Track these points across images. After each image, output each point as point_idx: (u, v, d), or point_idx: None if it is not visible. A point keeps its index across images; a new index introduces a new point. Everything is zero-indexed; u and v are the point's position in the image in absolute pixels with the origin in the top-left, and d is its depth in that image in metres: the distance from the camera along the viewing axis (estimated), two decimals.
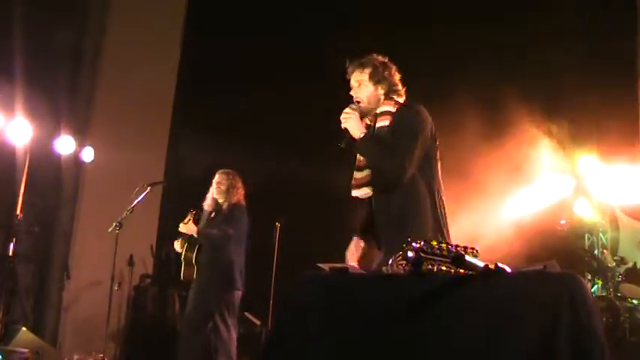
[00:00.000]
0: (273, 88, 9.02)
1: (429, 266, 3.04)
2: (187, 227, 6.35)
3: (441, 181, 4.24)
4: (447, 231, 4.07)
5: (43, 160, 8.19)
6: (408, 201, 4.07)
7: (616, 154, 7.43)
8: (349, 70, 4.36)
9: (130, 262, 8.04)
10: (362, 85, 4.30)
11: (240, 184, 6.46)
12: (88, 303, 8.53)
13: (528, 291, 2.68)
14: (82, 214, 9.01)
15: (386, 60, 4.36)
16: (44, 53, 8.46)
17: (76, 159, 8.62)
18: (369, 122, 4.30)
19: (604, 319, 6.17)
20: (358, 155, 4.27)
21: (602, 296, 6.66)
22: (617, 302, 6.37)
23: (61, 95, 8.94)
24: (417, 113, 4.20)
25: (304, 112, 8.83)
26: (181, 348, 6.44)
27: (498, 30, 8.01)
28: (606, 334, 2.66)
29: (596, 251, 7.37)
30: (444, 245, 3.05)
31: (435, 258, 3.02)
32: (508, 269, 2.88)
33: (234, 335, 6.33)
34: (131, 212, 6.53)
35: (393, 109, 4.22)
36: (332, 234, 7.70)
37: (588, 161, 7.62)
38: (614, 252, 7.16)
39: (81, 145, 8.45)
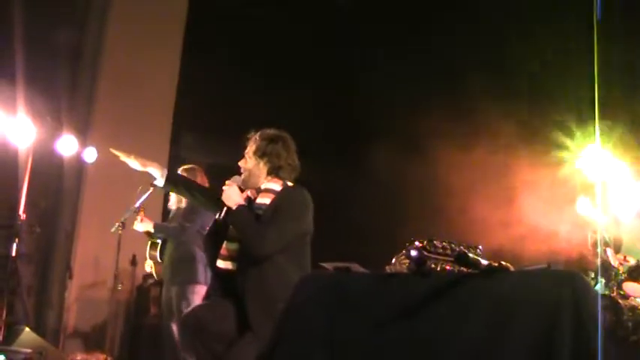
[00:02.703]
0: (275, 90, 9.03)
1: (432, 265, 3.04)
2: (143, 225, 6.39)
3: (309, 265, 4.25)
4: None
5: (45, 160, 8.19)
6: (271, 282, 4.05)
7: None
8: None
9: (133, 262, 8.03)
10: (247, 158, 4.35)
11: (202, 179, 6.42)
12: (91, 303, 8.53)
13: (531, 289, 2.68)
14: (85, 214, 9.01)
15: (278, 135, 4.38)
16: (45, 54, 8.46)
17: (78, 159, 8.61)
18: (250, 195, 4.31)
19: (607, 317, 6.16)
20: (231, 226, 4.25)
21: (605, 295, 6.65)
22: (620, 301, 6.35)
23: (63, 95, 8.95)
24: (299, 196, 4.24)
25: (305, 113, 8.84)
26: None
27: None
28: (609, 332, 2.66)
29: (599, 249, 7.35)
30: (447, 244, 3.05)
31: (439, 257, 3.02)
32: (511, 267, 2.88)
33: None
34: (134, 212, 6.52)
35: (278, 187, 4.25)
36: (332, 235, 7.76)
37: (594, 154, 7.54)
38: (617, 250, 7.14)
39: (83, 145, 8.44)
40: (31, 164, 7.62)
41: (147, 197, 6.55)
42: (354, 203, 8.39)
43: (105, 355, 7.45)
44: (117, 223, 6.63)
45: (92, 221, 8.75)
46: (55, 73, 8.79)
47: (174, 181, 4.79)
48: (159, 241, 6.66)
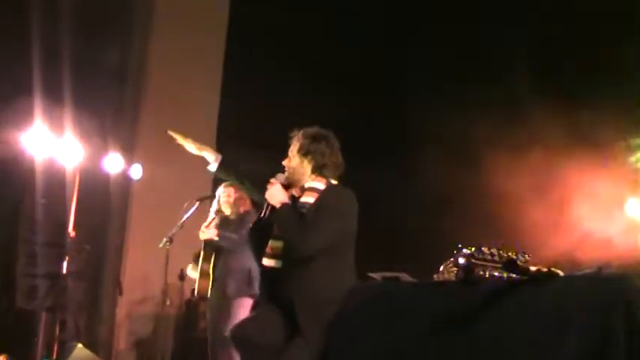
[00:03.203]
0: (319, 98, 9.04)
1: (480, 272, 3.01)
2: (209, 232, 6.39)
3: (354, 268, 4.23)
4: None
5: (92, 178, 8.30)
6: (316, 282, 4.05)
7: None
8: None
9: (181, 277, 8.08)
10: (291, 157, 4.35)
11: (246, 195, 6.43)
12: (141, 318, 8.61)
13: (581, 294, 2.64)
14: (132, 231, 9.10)
15: (322, 133, 4.38)
16: (90, 74, 8.59)
17: (124, 176, 8.71)
18: (295, 194, 4.29)
19: None
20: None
21: None
22: None
23: (108, 114, 9.08)
24: (344, 196, 4.22)
25: (353, 120, 8.83)
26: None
27: None
28: None
29: None
30: (495, 250, 3.02)
31: (487, 263, 2.99)
32: (561, 273, 2.84)
33: None
34: (181, 227, 6.57)
35: (322, 186, 4.23)
36: (380, 241, 7.74)
37: None
38: None
39: (129, 162, 8.54)
40: (79, 183, 7.73)
41: (193, 212, 6.60)
42: (403, 209, 8.34)
43: None
44: (164, 239, 6.67)
45: (140, 237, 8.83)
46: (99, 93, 8.91)
47: (226, 167, 4.85)
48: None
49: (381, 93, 9.17)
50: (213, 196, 7.01)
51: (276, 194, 4.19)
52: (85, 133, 8.01)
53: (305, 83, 9.38)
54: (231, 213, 6.52)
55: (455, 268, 3.16)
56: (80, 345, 7.28)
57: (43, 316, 7.68)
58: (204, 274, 6.54)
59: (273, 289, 4.26)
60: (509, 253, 3.07)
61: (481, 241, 3.11)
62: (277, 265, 4.20)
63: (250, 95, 9.35)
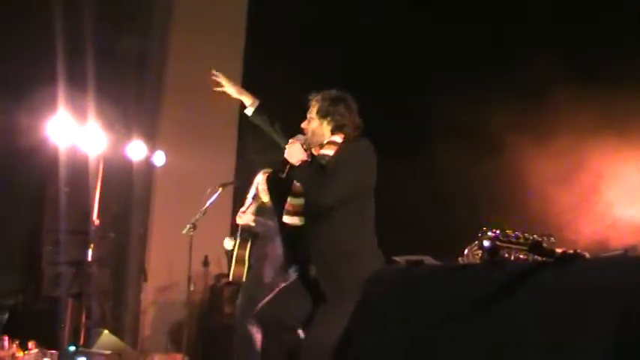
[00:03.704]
0: (340, 86, 9.00)
1: (506, 254, 3.00)
2: (246, 217, 6.39)
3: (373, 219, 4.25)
4: None
5: (115, 166, 8.34)
6: (340, 236, 4.07)
7: None
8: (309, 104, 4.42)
9: (205, 263, 8.12)
10: (310, 119, 4.35)
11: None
12: (166, 305, 8.68)
13: (607, 276, 2.61)
14: (156, 218, 9.15)
15: (340, 95, 4.38)
16: (112, 62, 8.64)
17: (147, 164, 8.75)
18: (314, 152, 4.29)
19: None
20: (295, 182, 4.25)
21: None
22: None
23: (131, 102, 9.13)
24: (363, 147, 4.22)
25: (370, 115, 8.80)
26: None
27: None
28: None
29: None
30: (519, 233, 3.00)
31: (512, 246, 2.98)
32: (587, 255, 2.82)
33: None
34: (204, 213, 6.58)
35: (339, 140, 4.23)
36: (402, 227, 7.72)
37: None
38: None
39: (152, 149, 8.57)
40: (102, 171, 7.77)
41: (216, 199, 6.61)
42: (427, 196, 8.31)
43: (182, 356, 7.55)
44: (188, 225, 6.69)
45: (163, 224, 8.88)
46: (122, 81, 8.96)
47: (261, 113, 4.96)
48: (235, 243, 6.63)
49: (401, 84, 9.12)
50: (235, 183, 7.02)
51: (295, 152, 4.19)
52: (107, 121, 8.04)
53: (325, 72, 9.36)
54: (269, 200, 6.51)
55: (480, 251, 3.14)
56: (106, 331, 7.35)
57: (70, 303, 7.75)
58: (239, 260, 6.54)
59: (294, 249, 4.29)
60: (535, 236, 3.05)
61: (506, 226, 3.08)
62: (299, 222, 4.22)
63: (271, 84, 9.35)
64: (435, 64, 8.60)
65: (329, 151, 4.21)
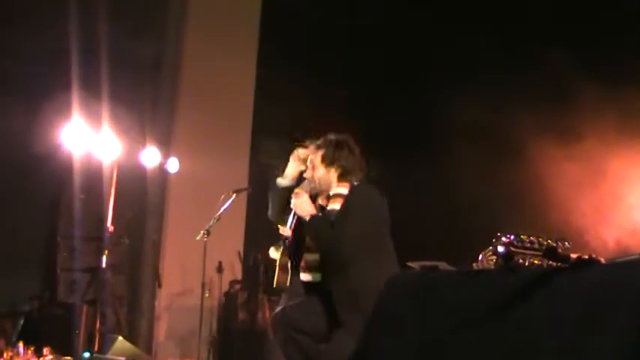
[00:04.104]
0: (351, 94, 9.01)
1: (520, 260, 2.98)
2: (286, 230, 6.39)
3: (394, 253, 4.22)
4: None
5: (129, 172, 8.35)
6: (354, 280, 4.06)
7: None
8: (307, 151, 4.42)
9: (219, 269, 8.13)
10: (314, 166, 4.32)
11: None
12: (180, 310, 8.68)
13: (622, 281, 2.60)
14: (170, 224, 9.16)
15: (342, 139, 4.35)
16: (127, 68, 8.66)
17: (161, 170, 8.76)
18: (321, 203, 4.27)
19: None
20: (308, 238, 4.25)
21: None
22: None
23: (145, 108, 9.16)
24: (368, 195, 4.22)
25: (378, 118, 8.79)
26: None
27: None
28: None
29: None
30: (534, 238, 2.99)
31: (526, 251, 2.96)
32: (602, 260, 2.80)
33: None
34: (218, 220, 6.59)
35: (345, 191, 4.22)
36: (420, 232, 7.70)
37: None
38: None
39: (166, 156, 8.59)
40: (117, 177, 7.79)
41: (230, 204, 6.62)
42: (444, 199, 8.28)
43: None
44: (202, 231, 6.70)
45: (177, 230, 8.90)
46: (136, 88, 8.99)
47: (288, 192, 4.70)
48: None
49: (418, 86, 9.09)
50: (249, 189, 7.01)
51: (304, 205, 4.20)
52: (122, 128, 8.06)
53: (340, 74, 9.37)
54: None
55: (494, 257, 3.13)
56: (121, 337, 7.36)
57: (84, 309, 7.77)
58: (282, 268, 6.56)
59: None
60: (549, 241, 3.03)
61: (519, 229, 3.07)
62: (316, 279, 4.25)
63: (285, 88, 9.36)
64: (456, 65, 8.58)
65: (337, 205, 4.22)
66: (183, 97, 9.42)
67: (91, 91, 8.08)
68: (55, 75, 8.04)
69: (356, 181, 4.32)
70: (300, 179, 4.56)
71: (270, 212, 4.76)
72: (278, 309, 4.50)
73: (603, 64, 7.31)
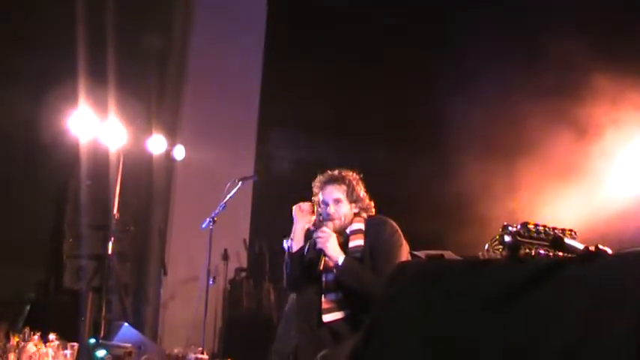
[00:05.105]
0: (360, 84, 8.99)
1: (527, 250, 2.97)
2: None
3: None
4: None
5: (135, 160, 8.36)
6: None
7: None
8: (323, 184, 4.36)
9: (225, 257, 8.14)
10: (340, 203, 4.30)
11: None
12: (186, 298, 8.70)
13: (631, 272, 2.59)
14: (176, 212, 9.18)
15: (358, 176, 4.39)
16: (134, 56, 8.66)
17: (167, 158, 8.77)
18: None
19: None
20: (326, 276, 4.23)
21: None
22: None
23: (151, 96, 9.15)
24: (387, 226, 4.22)
25: (389, 107, 8.77)
26: None
27: None
28: None
29: None
30: (541, 228, 2.98)
31: (533, 242, 2.95)
32: (609, 251, 2.79)
33: None
34: (224, 208, 6.59)
35: (362, 226, 4.24)
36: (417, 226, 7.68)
37: None
38: None
39: (172, 143, 8.59)
40: (123, 165, 7.80)
41: (236, 192, 6.62)
42: (446, 196, 8.28)
43: (201, 349, 7.58)
44: (208, 219, 6.71)
45: (183, 218, 8.92)
46: (143, 76, 8.99)
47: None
48: None
49: (417, 85, 9.07)
50: (255, 177, 7.01)
51: (334, 247, 4.18)
52: (128, 115, 8.07)
53: (348, 67, 9.35)
54: None
55: (500, 246, 3.12)
56: (126, 324, 7.37)
57: (90, 296, 7.79)
58: None
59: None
60: (556, 231, 3.02)
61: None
62: (341, 317, 4.20)
63: (292, 78, 9.36)
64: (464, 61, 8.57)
65: (358, 242, 4.22)
66: (190, 84, 9.42)
67: (98, 78, 8.07)
68: (61, 62, 8.04)
69: (365, 214, 4.36)
70: (307, 236, 4.50)
71: (287, 281, 4.54)
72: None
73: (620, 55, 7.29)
